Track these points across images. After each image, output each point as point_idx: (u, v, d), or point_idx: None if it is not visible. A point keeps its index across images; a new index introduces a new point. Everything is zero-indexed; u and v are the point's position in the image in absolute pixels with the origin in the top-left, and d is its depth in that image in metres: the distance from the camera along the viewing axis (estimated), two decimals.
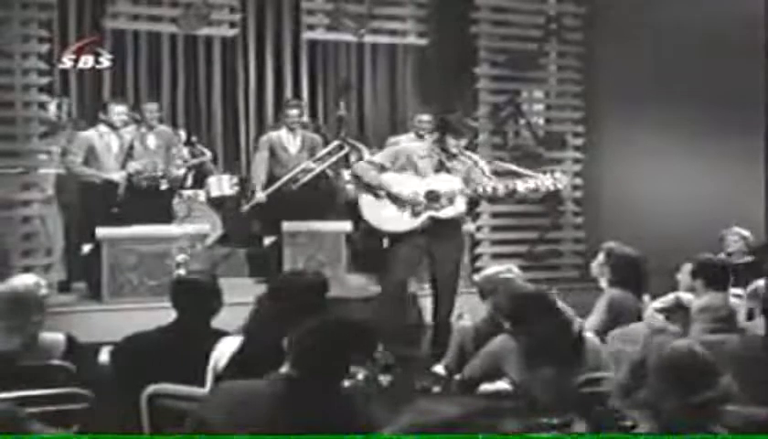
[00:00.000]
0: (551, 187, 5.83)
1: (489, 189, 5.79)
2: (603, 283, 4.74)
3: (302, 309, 3.01)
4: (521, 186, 5.81)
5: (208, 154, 8.68)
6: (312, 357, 2.69)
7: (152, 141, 7.49)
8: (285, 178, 7.53)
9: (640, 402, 2.37)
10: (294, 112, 7.91)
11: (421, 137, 7.37)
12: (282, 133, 7.86)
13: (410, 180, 5.75)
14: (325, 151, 7.74)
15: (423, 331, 5.92)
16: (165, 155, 7.55)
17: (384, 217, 5.78)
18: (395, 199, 5.73)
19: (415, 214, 5.73)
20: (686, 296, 4.87)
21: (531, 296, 3.82)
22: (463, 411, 2.26)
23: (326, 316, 2.86)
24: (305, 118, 8.36)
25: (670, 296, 4.99)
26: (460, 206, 5.78)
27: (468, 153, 6.00)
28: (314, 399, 2.62)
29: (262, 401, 2.63)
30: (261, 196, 7.59)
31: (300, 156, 7.71)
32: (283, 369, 2.71)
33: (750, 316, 3.75)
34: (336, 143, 7.85)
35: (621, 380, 2.41)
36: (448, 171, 5.77)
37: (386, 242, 6.14)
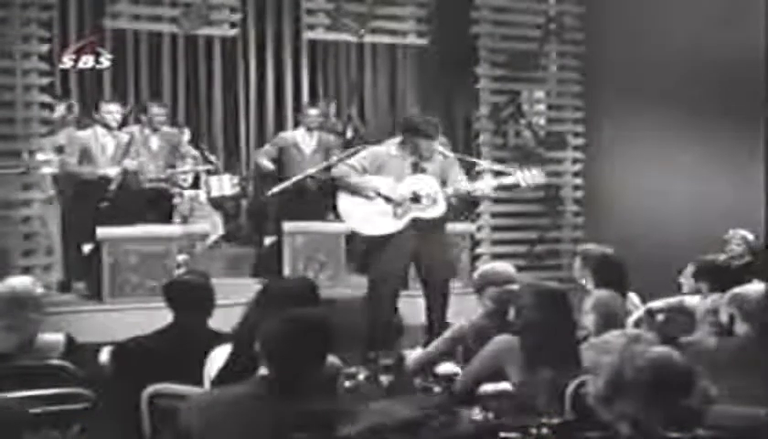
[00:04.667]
0: (530, 182, 5.83)
1: (468, 188, 5.77)
2: (588, 285, 4.74)
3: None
4: (500, 182, 5.82)
5: (214, 160, 8.69)
6: (280, 356, 2.69)
7: (155, 142, 7.50)
8: (301, 176, 7.52)
9: (620, 413, 2.36)
10: (314, 111, 7.92)
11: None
12: (299, 134, 7.87)
13: (391, 182, 5.73)
14: (345, 154, 7.68)
15: (420, 333, 5.89)
16: (167, 156, 7.56)
17: (366, 219, 5.75)
18: (386, 200, 5.72)
19: (398, 216, 5.71)
20: (690, 301, 4.86)
21: (553, 294, 3.82)
22: (418, 410, 2.28)
23: (288, 315, 2.84)
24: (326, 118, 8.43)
25: (674, 299, 4.98)
26: (441, 206, 5.76)
27: (444, 152, 5.97)
28: (291, 397, 2.62)
29: (242, 405, 2.64)
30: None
31: (314, 157, 7.70)
32: (261, 372, 2.71)
33: (731, 322, 3.75)
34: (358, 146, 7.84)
35: (599, 392, 2.41)
36: (423, 171, 5.76)
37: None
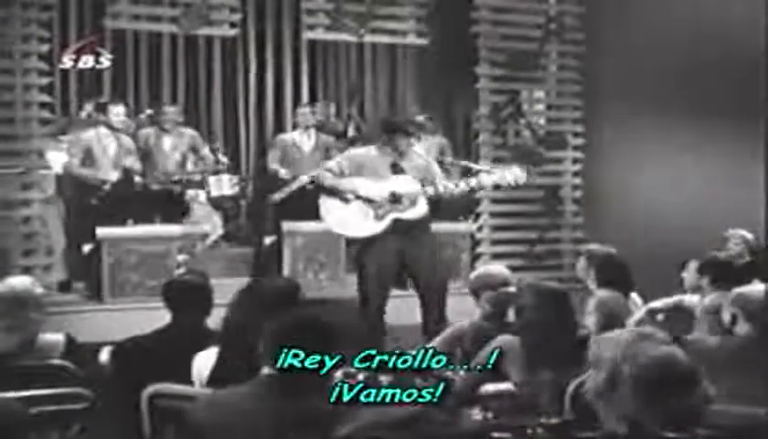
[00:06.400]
0: (512, 183, 5.84)
1: (449, 187, 5.78)
2: (591, 285, 4.75)
3: (270, 316, 2.98)
4: (485, 181, 5.83)
5: (225, 160, 8.68)
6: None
7: (167, 143, 7.50)
8: (303, 181, 7.50)
9: (617, 410, 2.36)
10: (306, 110, 7.92)
11: (418, 139, 7.35)
12: (296, 134, 7.89)
13: (371, 183, 5.71)
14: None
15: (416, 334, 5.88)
16: (182, 157, 7.56)
17: (346, 221, 5.75)
18: (366, 202, 5.71)
19: (378, 217, 5.71)
20: (689, 299, 4.87)
21: (553, 294, 3.82)
22: (415, 409, 2.29)
23: (293, 314, 2.85)
24: (320, 118, 8.42)
25: (673, 299, 4.99)
26: (422, 206, 5.76)
27: (420, 152, 5.99)
28: (295, 396, 2.62)
29: (247, 405, 2.64)
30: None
31: (314, 156, 7.70)
32: (265, 371, 2.71)
33: (733, 321, 3.78)
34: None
35: (597, 384, 2.41)
36: (402, 172, 5.74)
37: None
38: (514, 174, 5.82)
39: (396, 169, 5.75)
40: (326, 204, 5.79)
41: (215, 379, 3.22)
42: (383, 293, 5.76)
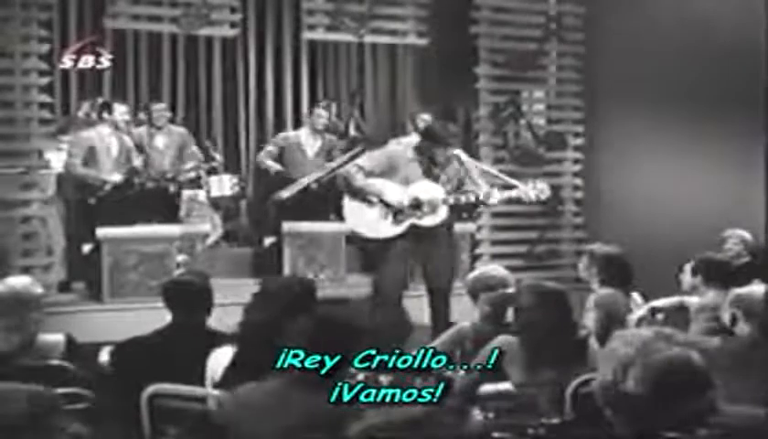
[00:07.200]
0: (533, 198, 5.82)
1: (479, 198, 5.77)
2: (594, 284, 4.77)
3: (289, 315, 2.99)
4: (509, 195, 5.83)
5: (219, 158, 8.67)
6: (318, 354, 2.70)
7: (160, 141, 7.50)
8: (307, 182, 7.50)
9: (616, 401, 2.35)
10: (325, 113, 7.89)
11: None
12: (302, 134, 7.85)
13: (397, 186, 5.72)
14: (347, 156, 7.62)
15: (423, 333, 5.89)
16: (175, 155, 7.55)
17: (366, 222, 5.76)
18: (384, 205, 5.72)
19: (397, 222, 5.72)
20: (690, 300, 4.88)
21: (553, 294, 3.82)
22: (426, 408, 2.30)
23: (318, 315, 2.86)
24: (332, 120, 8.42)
25: (673, 299, 5.00)
26: (441, 214, 5.75)
27: (462, 158, 5.89)
28: (317, 397, 2.63)
29: (273, 402, 2.64)
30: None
31: (317, 160, 7.69)
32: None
33: (733, 322, 3.79)
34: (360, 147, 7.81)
35: (603, 377, 2.41)
36: (436, 178, 5.75)
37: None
38: (537, 189, 5.80)
39: (429, 175, 5.75)
40: (349, 204, 5.81)
41: (227, 378, 3.22)
42: (398, 292, 5.80)
